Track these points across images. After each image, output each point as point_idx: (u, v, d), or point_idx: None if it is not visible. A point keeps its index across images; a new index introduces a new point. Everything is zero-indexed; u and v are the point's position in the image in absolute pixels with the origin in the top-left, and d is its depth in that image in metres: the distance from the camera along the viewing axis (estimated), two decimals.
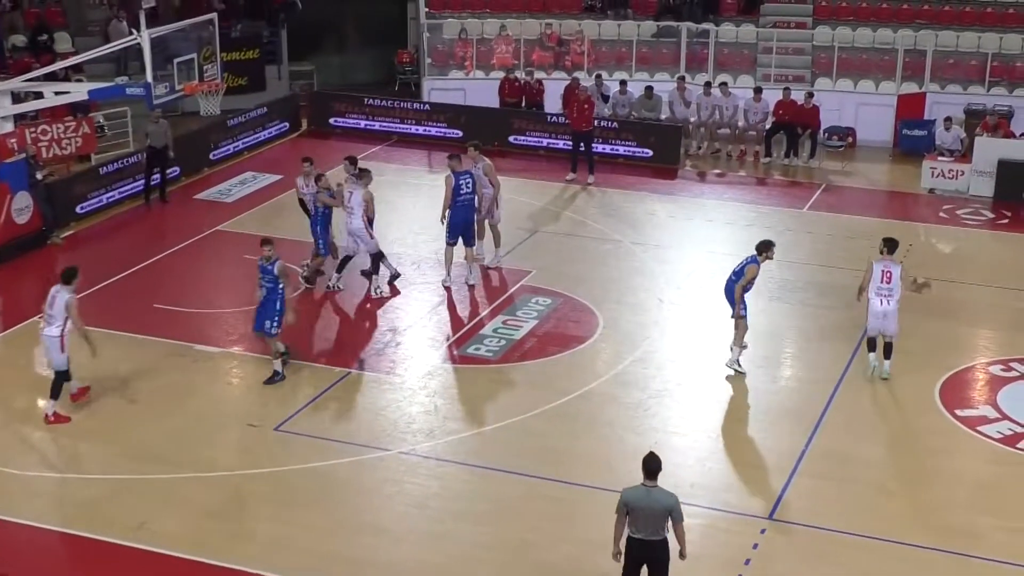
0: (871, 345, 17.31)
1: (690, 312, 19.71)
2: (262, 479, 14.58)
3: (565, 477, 14.76)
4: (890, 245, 17.10)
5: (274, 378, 16.96)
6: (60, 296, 15.81)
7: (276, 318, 16.92)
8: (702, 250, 22.43)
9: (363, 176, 19.77)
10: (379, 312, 19.40)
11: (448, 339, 18.51)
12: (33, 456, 15.18)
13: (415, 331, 18.83)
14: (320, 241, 20.12)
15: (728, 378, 17.38)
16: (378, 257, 19.80)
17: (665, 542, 11.64)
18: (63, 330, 15.72)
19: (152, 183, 24.43)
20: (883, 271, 16.89)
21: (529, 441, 15.62)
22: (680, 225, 24.03)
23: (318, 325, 18.96)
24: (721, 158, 28.22)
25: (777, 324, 19.21)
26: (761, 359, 17.81)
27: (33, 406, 16.39)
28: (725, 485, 14.78)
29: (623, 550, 11.78)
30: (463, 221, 20.06)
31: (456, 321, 19.19)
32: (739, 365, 17.47)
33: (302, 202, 20.75)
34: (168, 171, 24.71)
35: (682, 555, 11.75)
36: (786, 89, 28.08)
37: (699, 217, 24.45)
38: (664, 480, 14.68)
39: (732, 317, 17.43)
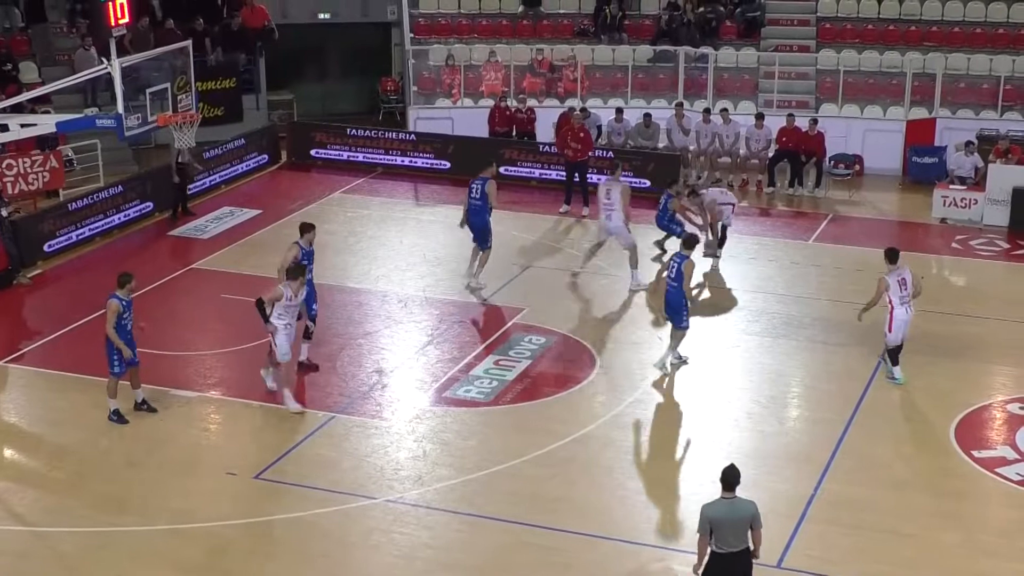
0: (895, 357, 18.28)
1: (690, 350, 19.75)
2: (242, 530, 14.56)
3: (561, 525, 14.77)
4: (893, 255, 18.14)
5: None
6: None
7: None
8: (703, 285, 22.51)
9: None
10: (364, 353, 19.44)
11: (437, 381, 18.54)
12: None
13: (402, 372, 18.86)
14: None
15: (735, 420, 17.42)
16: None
17: (748, 551, 12.14)
18: None
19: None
20: (899, 280, 17.90)
21: (523, 488, 15.62)
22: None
23: (304, 368, 18.97)
24: (723, 187, 28.29)
25: (783, 363, 19.30)
26: (767, 400, 17.88)
27: None
28: None
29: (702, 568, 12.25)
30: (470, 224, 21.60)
31: (445, 362, 19.23)
32: (670, 363, 18.56)
33: None
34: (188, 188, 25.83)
35: (755, 555, 12.28)
36: (790, 116, 28.30)
37: (699, 250, 24.46)
38: (667, 527, 14.80)
39: (680, 328, 18.47)
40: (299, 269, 17.36)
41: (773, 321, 20.78)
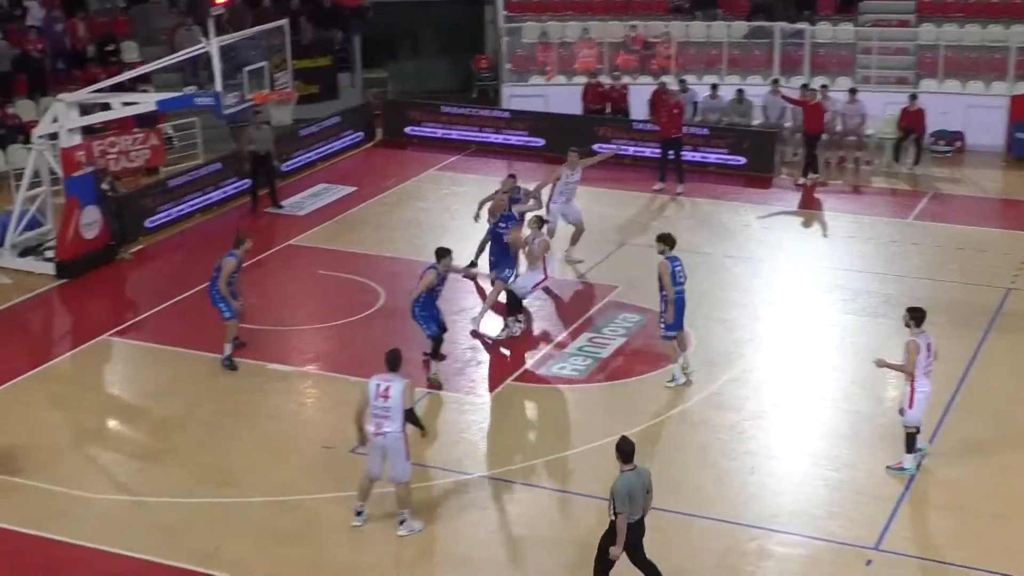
0: (913, 442, 15.34)
1: (786, 329, 19.61)
2: (338, 504, 14.72)
3: (656, 504, 14.66)
4: (919, 316, 15.21)
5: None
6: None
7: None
8: (799, 264, 22.32)
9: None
10: (458, 330, 19.51)
11: (531, 358, 18.58)
12: (104, 479, 15.47)
13: (496, 349, 18.92)
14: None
15: (831, 400, 17.25)
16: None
17: (643, 519, 12.59)
18: None
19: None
20: (927, 344, 15.17)
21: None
22: (775, 237, 23.90)
23: (399, 344, 19.03)
24: (846, 169, 27.98)
25: (881, 343, 18.99)
26: (865, 380, 17.65)
27: (103, 426, 16.71)
28: (827, 513, 14.66)
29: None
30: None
31: (540, 338, 19.26)
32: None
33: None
34: (276, 177, 25.56)
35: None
36: (912, 96, 27.83)
37: (795, 228, 24.33)
38: (762, 507, 14.71)
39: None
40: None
41: (871, 300, 20.52)
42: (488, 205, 20.72)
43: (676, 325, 17.34)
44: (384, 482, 14.10)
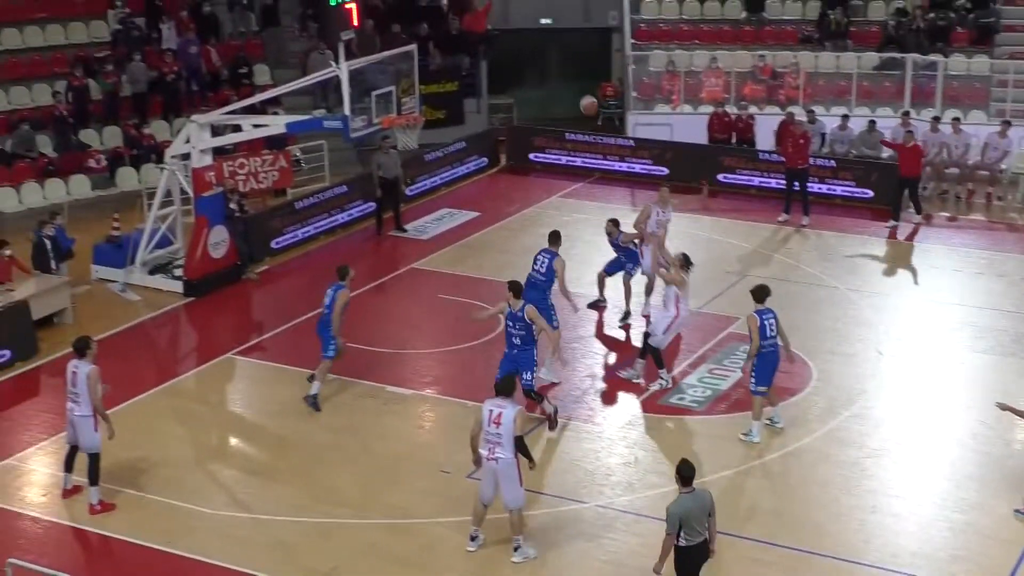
0: None
1: (911, 365, 19.24)
2: (453, 528, 14.76)
3: (774, 539, 14.56)
4: None
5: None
6: (80, 371, 14.98)
7: (531, 370, 16.99)
8: (925, 299, 21.91)
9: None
10: (577, 357, 19.50)
11: (651, 387, 18.48)
12: (225, 495, 15.73)
13: (615, 378, 18.85)
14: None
15: (958, 439, 16.87)
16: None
17: (706, 541, 12.56)
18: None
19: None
20: None
21: (735, 499, 15.45)
22: (902, 271, 23.53)
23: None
24: (949, 199, 27.51)
25: (1012, 382, 18.57)
26: (994, 420, 17.19)
27: (226, 444, 16.99)
28: (951, 556, 14.32)
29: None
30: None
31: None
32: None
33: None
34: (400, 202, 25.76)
35: (712, 548, 12.68)
36: None
37: (923, 263, 23.89)
38: (882, 547, 14.44)
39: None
40: None
41: (1001, 339, 20.06)
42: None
43: (764, 380, 16.93)
44: (500, 508, 14.11)
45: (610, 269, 21.02)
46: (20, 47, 29.22)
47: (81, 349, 15.06)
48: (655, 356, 18.35)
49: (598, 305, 21.10)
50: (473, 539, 14.33)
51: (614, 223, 20.70)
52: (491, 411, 13.82)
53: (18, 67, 28.87)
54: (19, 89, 28.43)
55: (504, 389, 14.03)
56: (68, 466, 15.50)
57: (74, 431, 15.18)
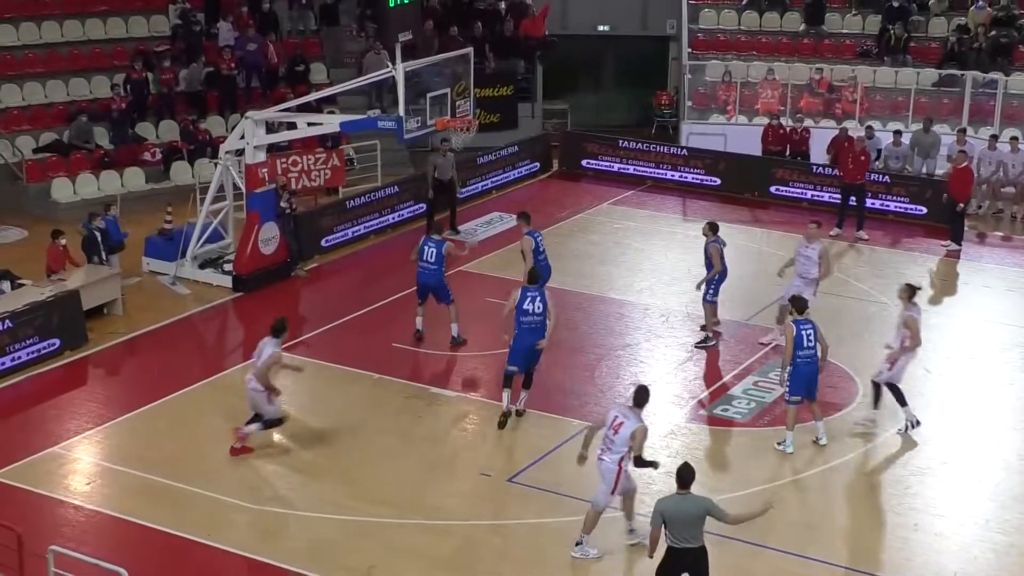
0: None
1: (959, 384, 19.08)
2: (494, 532, 14.80)
3: (816, 554, 14.47)
4: None
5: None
6: (266, 350, 16.44)
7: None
8: (976, 318, 21.71)
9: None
10: (622, 364, 19.47)
11: (694, 398, 18.43)
12: (267, 491, 15.84)
13: (660, 387, 18.76)
14: None
15: (1004, 460, 16.70)
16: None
17: (703, 549, 12.37)
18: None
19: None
20: None
21: (778, 512, 15.28)
22: (953, 289, 23.34)
23: (560, 375, 19.13)
24: (1004, 219, 27.26)
25: None
26: None
27: (269, 440, 17.10)
28: None
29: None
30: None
31: (704, 379, 19.10)
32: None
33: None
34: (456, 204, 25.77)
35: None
36: None
37: (975, 282, 23.67)
38: (924, 566, 14.32)
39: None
40: None
41: None
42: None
43: (798, 390, 16.79)
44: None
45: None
46: (81, 39, 29.62)
47: (278, 330, 16.63)
48: (896, 394, 17.57)
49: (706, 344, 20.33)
50: (631, 532, 14.52)
51: (711, 226, 20.36)
52: (615, 417, 14.02)
53: (79, 59, 29.26)
54: (79, 81, 28.81)
55: (638, 399, 14.16)
56: None
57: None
